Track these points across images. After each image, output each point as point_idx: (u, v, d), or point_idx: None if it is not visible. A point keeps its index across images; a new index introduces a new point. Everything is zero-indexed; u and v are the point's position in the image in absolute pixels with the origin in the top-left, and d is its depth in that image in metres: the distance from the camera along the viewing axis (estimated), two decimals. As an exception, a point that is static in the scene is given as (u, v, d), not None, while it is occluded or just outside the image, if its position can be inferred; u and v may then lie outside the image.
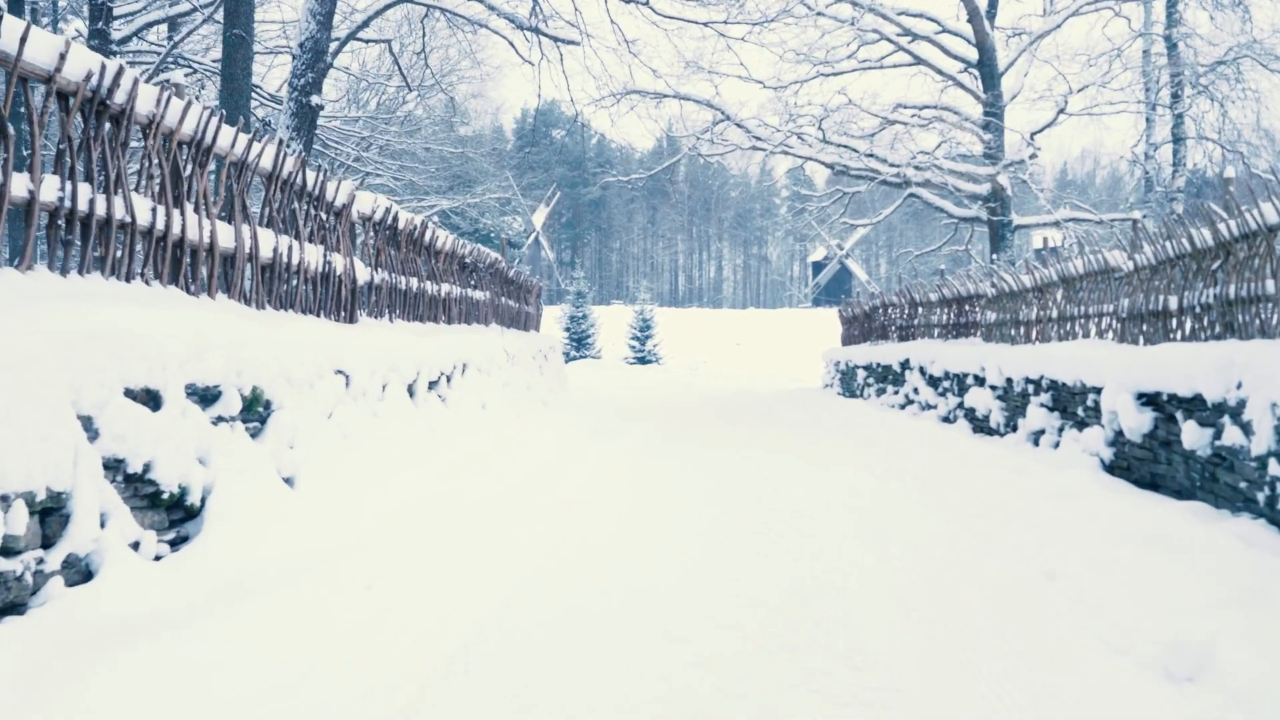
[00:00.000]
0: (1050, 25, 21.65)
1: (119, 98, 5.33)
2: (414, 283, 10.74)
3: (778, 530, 6.97)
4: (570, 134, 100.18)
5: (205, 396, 5.21)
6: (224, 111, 15.40)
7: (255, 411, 5.71)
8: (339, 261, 8.31)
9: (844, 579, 5.65)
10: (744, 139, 23.92)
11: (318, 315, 7.99)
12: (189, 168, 6.02)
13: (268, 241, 6.98)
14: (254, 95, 24.32)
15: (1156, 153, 23.73)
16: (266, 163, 6.93)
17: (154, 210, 5.58)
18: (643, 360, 45.30)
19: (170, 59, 22.84)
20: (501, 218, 64.40)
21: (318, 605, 4.64)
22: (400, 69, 19.70)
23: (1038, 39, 21.82)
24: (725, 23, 20.53)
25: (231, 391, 5.35)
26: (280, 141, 6.90)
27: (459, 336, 11.05)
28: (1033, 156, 21.11)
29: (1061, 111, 21.47)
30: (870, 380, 20.48)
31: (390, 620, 4.61)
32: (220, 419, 5.28)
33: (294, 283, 7.54)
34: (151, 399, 4.66)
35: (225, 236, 6.40)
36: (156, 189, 5.73)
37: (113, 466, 4.31)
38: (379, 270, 9.66)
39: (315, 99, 16.32)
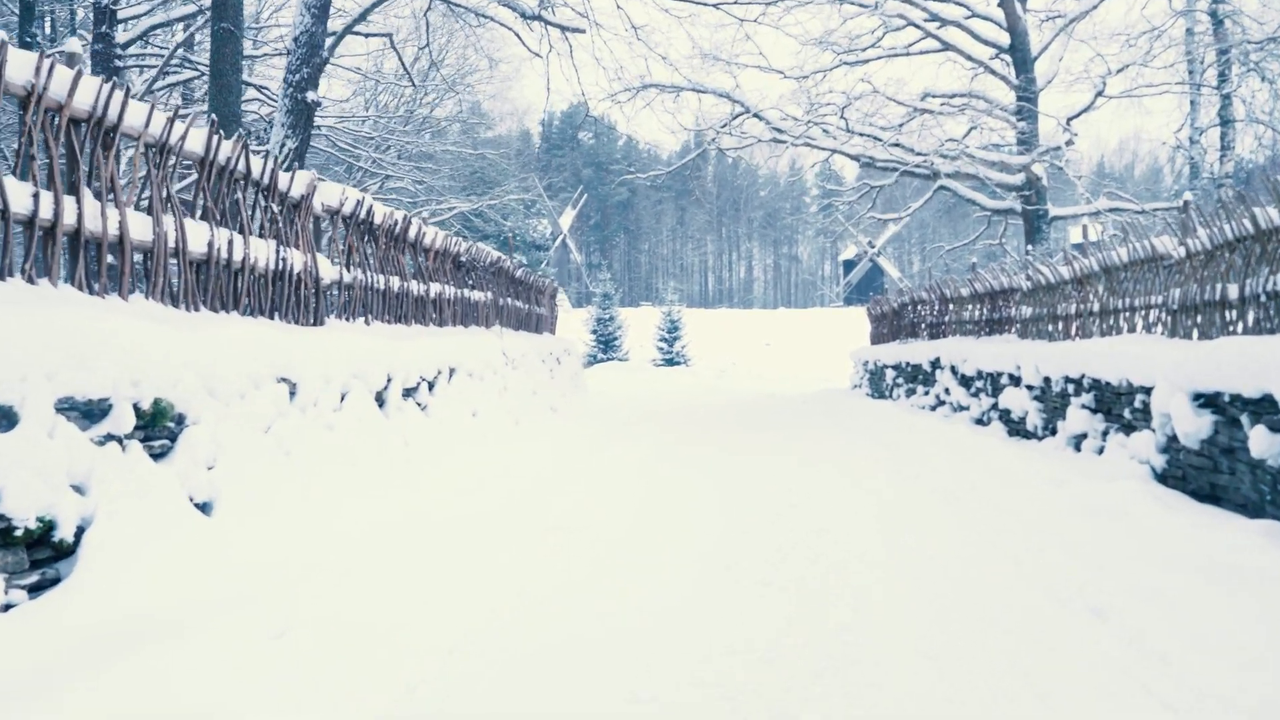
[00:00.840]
0: (1087, 6, 20.55)
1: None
2: (396, 282, 9.94)
3: (789, 555, 6.08)
4: (597, 136, 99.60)
5: (89, 412, 4.41)
6: (212, 111, 14.78)
7: (162, 427, 4.90)
8: (297, 258, 7.51)
9: (852, 614, 4.76)
10: (765, 131, 23.00)
11: (271, 317, 7.20)
12: (90, 149, 5.22)
13: (200, 235, 6.16)
14: (259, 94, 23.76)
15: (1202, 137, 22.50)
16: (195, 146, 6.12)
17: (35, 196, 4.77)
18: (670, 362, 44.52)
19: (174, 62, 22.32)
20: (527, 220, 63.90)
21: (208, 659, 3.83)
22: (403, 64, 18.95)
23: (1073, 20, 20.72)
24: (737, 2, 19.59)
25: (124, 405, 4.54)
26: (213, 123, 6.11)
27: (447, 339, 10.25)
28: (1069, 142, 20.02)
29: (1099, 94, 20.33)
30: (899, 380, 19.51)
31: (296, 677, 3.79)
32: (109, 437, 4.48)
33: (237, 282, 6.74)
34: (3, 416, 3.86)
35: (140, 228, 5.60)
36: (45, 173, 4.92)
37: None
38: (351, 269, 8.86)
39: (311, 95, 15.62)
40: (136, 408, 4.67)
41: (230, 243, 6.47)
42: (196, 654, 3.85)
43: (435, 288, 11.41)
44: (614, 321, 46.69)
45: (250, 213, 6.98)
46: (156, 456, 4.85)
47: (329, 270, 8.18)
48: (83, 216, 5.05)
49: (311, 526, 5.62)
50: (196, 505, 4.99)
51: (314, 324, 7.84)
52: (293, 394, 6.24)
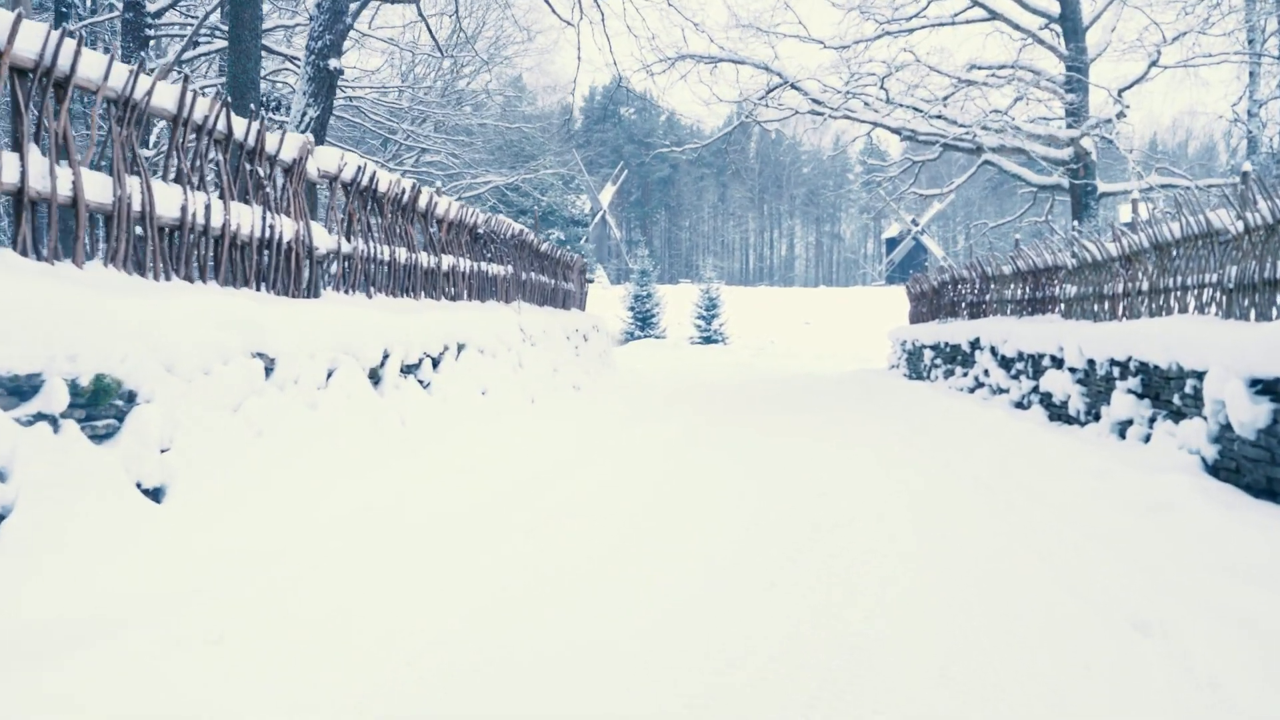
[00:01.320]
0: (1141, -30, 19.63)
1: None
2: (402, 253, 9.49)
3: (806, 550, 5.59)
4: (639, 112, 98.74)
5: (14, 389, 3.99)
6: (231, 77, 14.42)
7: (107, 406, 4.48)
8: (287, 226, 7.07)
9: (865, 622, 4.26)
10: (803, 103, 22.30)
11: (257, 288, 6.77)
12: (35, 101, 4.79)
13: (170, 198, 5.72)
14: (290, 65, 23.41)
15: (1261, 110, 21.46)
16: (165, 102, 5.67)
17: (-46, 151, 4.36)
18: (709, 340, 44.02)
19: (205, 32, 22.09)
20: (565, 196, 63.38)
21: (130, 669, 3.41)
22: (431, 32, 18.46)
23: (1127, -13, 19.81)
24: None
25: (56, 381, 4.12)
26: (185, 78, 5.67)
27: (457, 314, 9.82)
28: (1120, 115, 19.15)
29: (1154, 64, 19.40)
30: (938, 361, 18.86)
31: (227, 690, 3.37)
32: (39, 416, 4.06)
33: (218, 250, 6.31)
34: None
35: (98, 189, 5.17)
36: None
37: None
38: (352, 238, 8.42)
39: (334, 62, 15.22)
40: (74, 384, 4.25)
41: (208, 207, 6.04)
42: (114, 663, 3.43)
43: (448, 260, 10.96)
44: (651, 299, 46.26)
45: (234, 177, 6.54)
46: (100, 438, 4.44)
47: (325, 239, 7.75)
48: (26, 175, 4.63)
49: (282, 514, 5.19)
50: (146, 492, 4.57)
51: (306, 296, 7.42)
52: (270, 370, 5.81)
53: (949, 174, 45.57)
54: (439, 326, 8.99)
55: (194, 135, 6.18)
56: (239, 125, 6.41)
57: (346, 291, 8.32)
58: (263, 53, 21.77)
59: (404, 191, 9.42)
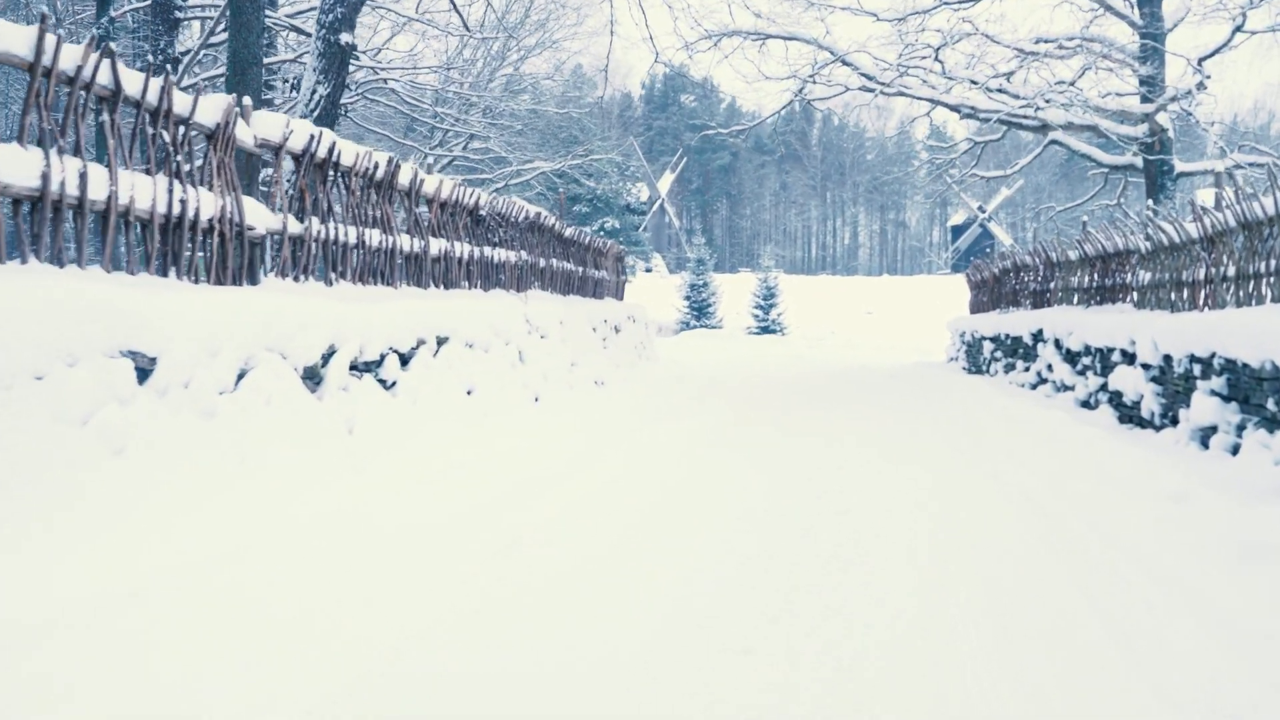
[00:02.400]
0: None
1: None
2: (375, 236, 8.42)
3: (795, 605, 4.42)
4: (699, 99, 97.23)
5: None
6: (232, 51, 13.53)
7: None
8: (207, 201, 6.04)
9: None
10: (854, 79, 20.94)
11: (162, 273, 5.75)
12: None
13: (23, 165, 4.68)
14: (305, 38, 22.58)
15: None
16: (12, 47, 4.61)
17: None
18: (766, 330, 42.85)
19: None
20: (621, 184, 62.28)
21: None
22: (455, 5, 17.41)
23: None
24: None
25: None
26: (42, 18, 4.64)
27: (440, 303, 8.76)
28: (1201, 86, 17.49)
29: (1238, 29, 17.66)
30: (998, 354, 17.45)
31: None
32: None
33: (103, 227, 5.28)
34: None
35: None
36: None
37: None
38: (305, 218, 7.37)
39: (346, 37, 14.30)
40: None
41: (82, 176, 5.01)
42: None
43: (439, 244, 9.88)
44: (707, 288, 45.22)
45: (132, 142, 5.52)
46: None
47: (265, 218, 6.71)
48: None
49: (117, 556, 4.12)
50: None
51: (237, 282, 6.40)
52: (146, 372, 4.78)
53: (1017, 159, 43.69)
54: (411, 317, 7.93)
55: (81, 91, 5.15)
56: (130, 79, 5.37)
57: (297, 278, 7.28)
58: (281, 28, 21.00)
59: (375, 166, 8.35)
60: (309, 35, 21.66)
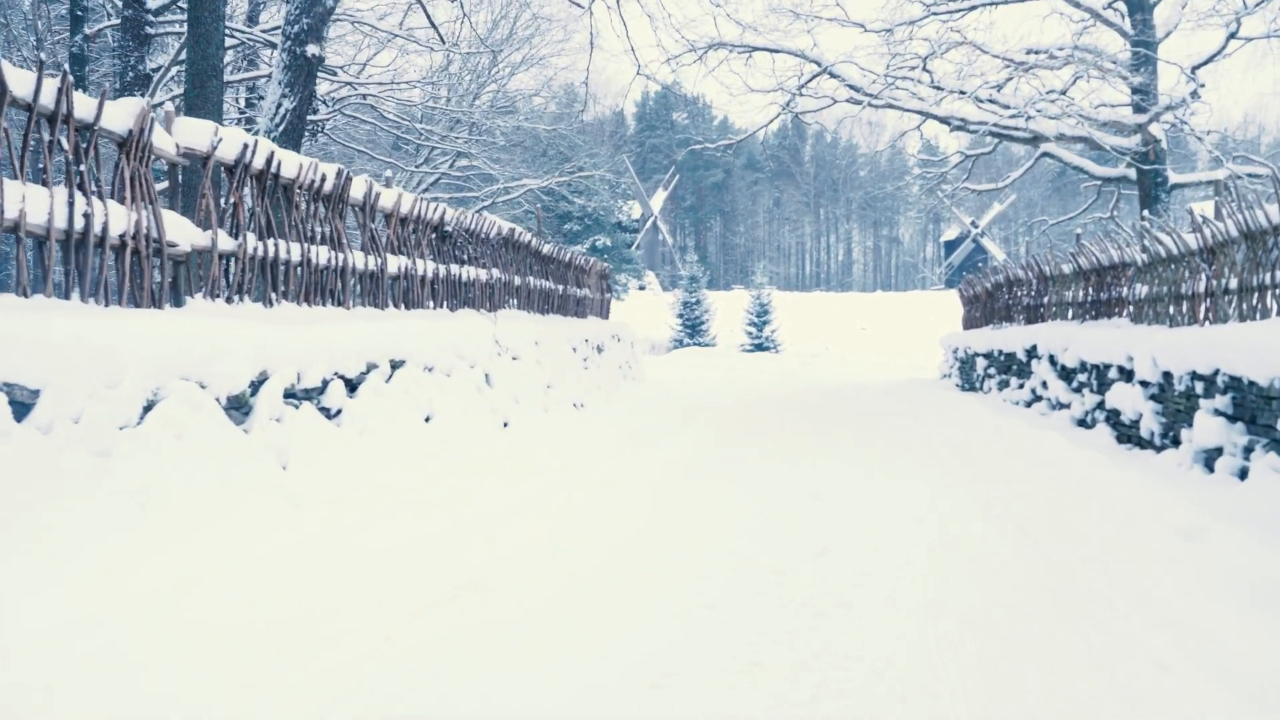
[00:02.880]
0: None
1: None
2: (322, 253, 7.88)
3: (762, 663, 3.90)
4: (691, 117, 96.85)
5: None
6: (190, 63, 13.05)
7: None
8: (117, 215, 5.51)
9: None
10: (841, 90, 20.51)
11: (65, 296, 5.23)
12: None
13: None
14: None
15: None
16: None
17: None
18: (760, 347, 42.45)
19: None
20: (613, 201, 61.85)
21: None
22: (430, 19, 16.92)
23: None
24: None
25: None
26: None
27: (395, 324, 8.24)
28: (1195, 95, 17.04)
29: (1232, 36, 17.23)
30: (991, 371, 16.95)
31: None
32: None
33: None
34: None
35: None
36: None
37: None
38: (239, 234, 6.84)
39: (312, 49, 13.83)
40: None
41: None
42: None
43: (398, 262, 9.36)
44: (700, 305, 44.90)
45: (24, 150, 5.00)
46: None
47: (190, 234, 6.19)
48: None
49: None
50: None
51: (156, 304, 5.87)
52: (26, 407, 4.25)
53: (1009, 173, 43.36)
54: (361, 340, 7.40)
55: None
56: (19, 80, 4.84)
57: (230, 299, 6.75)
58: (257, 44, 20.54)
59: (323, 178, 7.84)
60: (245, 37, 21.17)
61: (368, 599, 4.50)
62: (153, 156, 5.81)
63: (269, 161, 7.05)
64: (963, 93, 18.43)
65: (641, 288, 70.21)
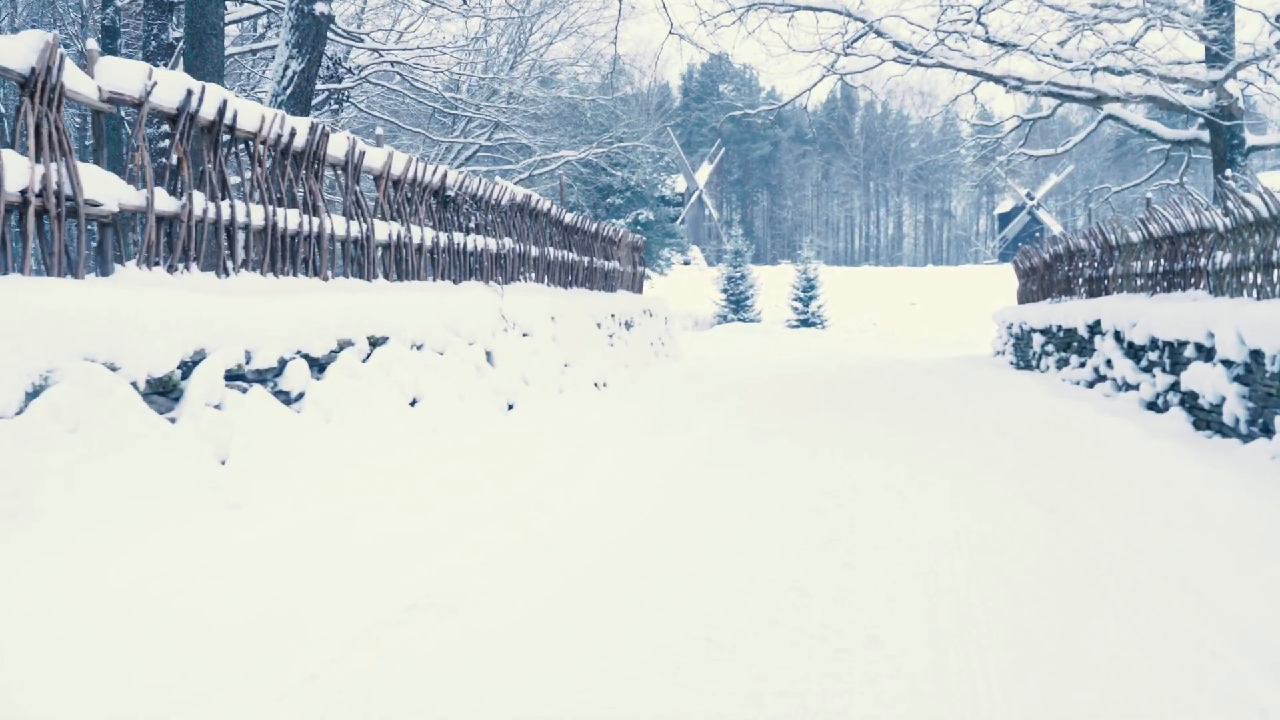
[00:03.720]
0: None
1: None
2: (291, 217, 6.98)
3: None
4: (738, 89, 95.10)
5: None
6: (189, 21, 12.25)
7: None
8: (18, 169, 4.64)
9: None
10: (887, 49, 19.30)
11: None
12: None
13: None
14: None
15: None
16: None
17: None
18: (806, 323, 41.29)
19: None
20: (657, 174, 60.65)
21: None
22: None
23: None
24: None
25: None
26: None
27: (379, 295, 7.36)
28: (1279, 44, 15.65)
29: (1322, -22, 15.86)
30: (1049, 348, 15.78)
31: None
32: None
33: None
34: None
35: None
36: None
37: None
38: (185, 192, 5.96)
39: (321, 7, 13.01)
40: None
41: None
42: None
43: (389, 228, 8.45)
44: (745, 280, 43.80)
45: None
46: None
47: (117, 192, 5.32)
48: None
49: None
50: None
51: (74, 273, 5.02)
52: None
53: (1067, 139, 41.73)
54: (333, 314, 6.53)
55: None
56: None
57: (172, 267, 5.88)
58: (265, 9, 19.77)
59: (292, 133, 6.93)
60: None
61: (291, 625, 3.63)
62: (65, 100, 4.95)
63: (221, 112, 6.16)
64: (1016, 45, 17.14)
65: (686, 263, 69.10)
